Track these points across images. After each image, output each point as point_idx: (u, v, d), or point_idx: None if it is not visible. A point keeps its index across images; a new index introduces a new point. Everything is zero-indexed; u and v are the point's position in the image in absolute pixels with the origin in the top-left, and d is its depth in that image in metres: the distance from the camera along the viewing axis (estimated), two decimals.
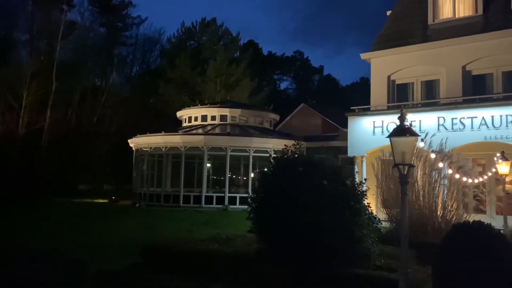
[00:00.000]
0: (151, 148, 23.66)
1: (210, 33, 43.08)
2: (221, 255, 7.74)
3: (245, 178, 23.94)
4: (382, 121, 15.61)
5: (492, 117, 13.70)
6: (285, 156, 8.03)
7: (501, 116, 13.56)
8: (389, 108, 16.80)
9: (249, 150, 21.75)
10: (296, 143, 8.65)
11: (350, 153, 16.68)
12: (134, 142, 24.93)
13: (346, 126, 17.25)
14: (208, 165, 24.08)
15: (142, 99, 39.65)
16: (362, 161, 16.22)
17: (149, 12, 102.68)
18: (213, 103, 28.01)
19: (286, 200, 6.92)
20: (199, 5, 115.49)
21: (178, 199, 21.86)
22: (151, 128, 24.85)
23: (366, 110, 17.05)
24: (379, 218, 11.47)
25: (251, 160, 21.89)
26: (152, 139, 23.42)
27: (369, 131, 16.08)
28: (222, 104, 26.72)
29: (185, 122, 26.55)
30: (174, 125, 27.63)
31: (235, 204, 21.07)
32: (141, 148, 24.55)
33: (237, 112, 25.28)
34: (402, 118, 5.33)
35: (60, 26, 35.01)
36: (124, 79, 44.58)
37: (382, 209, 11.46)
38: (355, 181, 7.88)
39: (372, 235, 7.35)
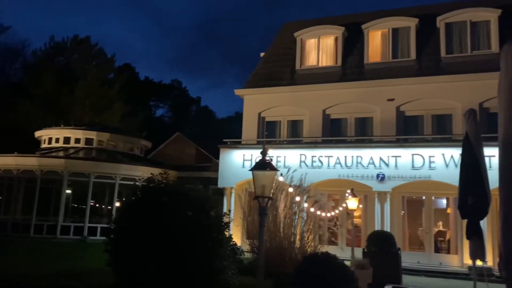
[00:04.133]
0: (0, 170, 20.93)
1: (82, 51, 40.56)
2: None
3: (109, 207, 22.49)
4: (251, 155, 16.30)
5: (346, 157, 15.34)
6: (151, 185, 7.79)
7: (352, 157, 15.27)
8: (258, 142, 17.67)
9: (116, 177, 20.67)
10: (163, 172, 8.47)
11: (220, 184, 16.99)
12: None
13: (219, 157, 17.59)
14: (68, 191, 22.09)
15: None
16: (231, 193, 16.61)
17: (14, 21, 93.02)
18: (78, 125, 25.99)
19: (147, 231, 6.66)
20: (73, 21, 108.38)
21: (29, 228, 19.52)
22: (7, 148, 22.03)
23: (237, 143, 17.67)
24: (242, 249, 11.80)
25: (117, 188, 20.76)
26: (1, 160, 20.77)
27: (239, 163, 16.64)
28: (89, 126, 24.98)
29: (44, 143, 24.14)
30: (34, 146, 24.92)
31: (96, 235, 19.63)
32: None
33: (105, 136, 23.91)
34: (263, 153, 5.64)
35: None
36: None
37: (246, 240, 11.76)
38: (222, 212, 7.99)
39: (233, 266, 7.45)
